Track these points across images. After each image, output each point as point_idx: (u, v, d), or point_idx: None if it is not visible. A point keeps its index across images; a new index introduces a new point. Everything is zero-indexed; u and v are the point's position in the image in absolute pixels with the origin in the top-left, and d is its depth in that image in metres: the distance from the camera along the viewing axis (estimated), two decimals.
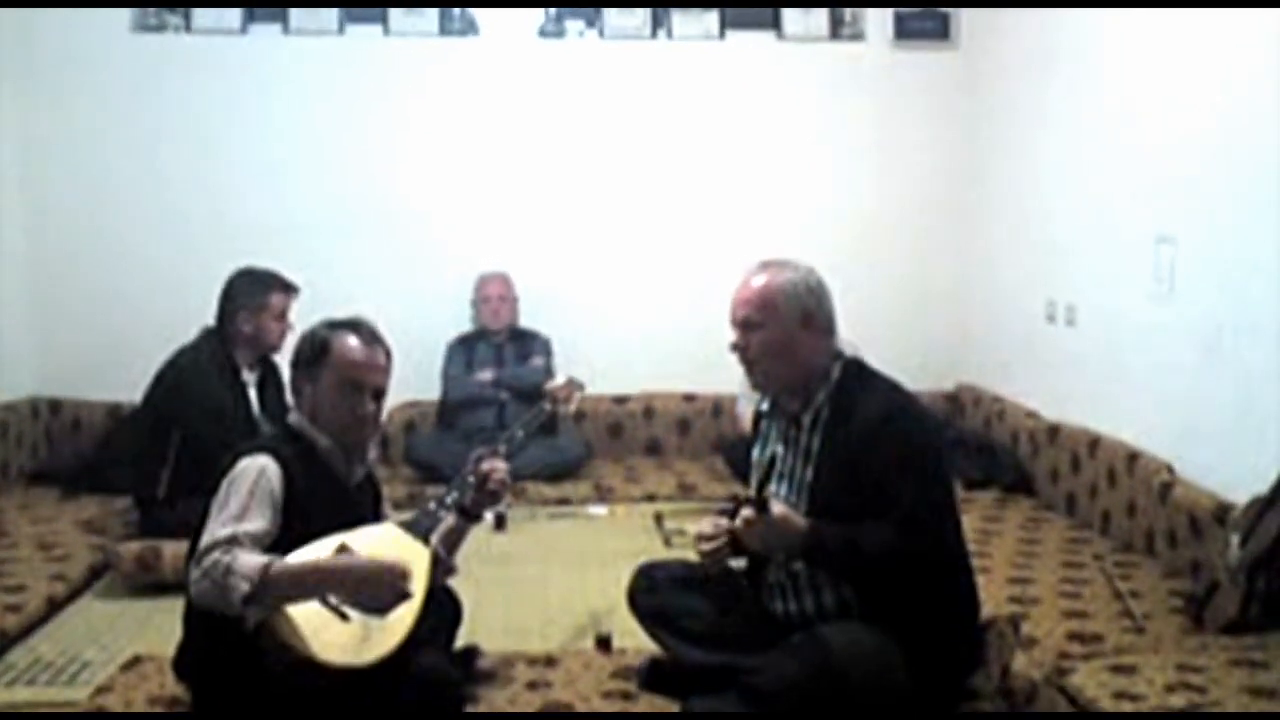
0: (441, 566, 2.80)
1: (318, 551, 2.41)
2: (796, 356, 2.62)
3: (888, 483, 2.47)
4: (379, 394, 2.65)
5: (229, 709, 2.46)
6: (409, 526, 2.64)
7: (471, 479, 2.79)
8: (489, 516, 4.53)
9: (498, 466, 2.79)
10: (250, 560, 2.29)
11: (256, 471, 2.44)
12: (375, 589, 2.38)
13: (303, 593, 2.34)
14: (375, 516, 2.72)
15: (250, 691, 2.38)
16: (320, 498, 2.53)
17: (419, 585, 2.48)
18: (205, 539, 2.35)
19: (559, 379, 3.22)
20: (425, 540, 2.63)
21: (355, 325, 2.66)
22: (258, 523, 2.38)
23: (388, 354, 2.68)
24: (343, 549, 2.43)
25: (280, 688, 2.34)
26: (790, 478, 2.65)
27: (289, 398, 2.77)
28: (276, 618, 2.29)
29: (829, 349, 2.66)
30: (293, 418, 2.66)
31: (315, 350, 2.62)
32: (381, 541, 2.53)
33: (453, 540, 2.84)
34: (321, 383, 2.60)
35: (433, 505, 2.74)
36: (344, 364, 2.59)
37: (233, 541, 2.32)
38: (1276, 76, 3.31)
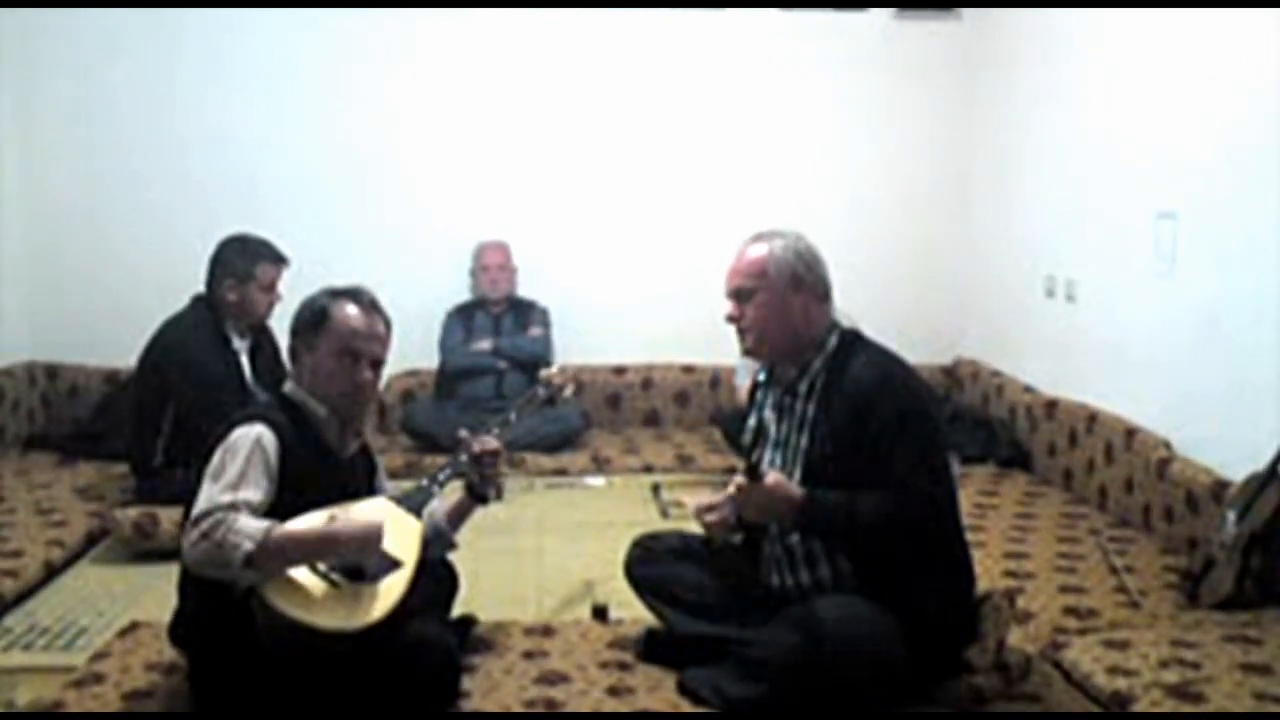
0: (444, 540, 2.82)
1: (308, 523, 2.41)
2: (789, 321, 2.64)
3: (883, 449, 2.48)
4: (376, 364, 2.65)
5: (226, 676, 2.46)
6: (401, 501, 2.65)
7: (465, 457, 2.79)
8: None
9: (489, 445, 2.79)
10: (252, 523, 2.30)
11: (253, 440, 2.43)
12: (366, 550, 2.39)
13: (302, 558, 2.35)
14: (369, 490, 2.72)
15: (247, 658, 2.38)
16: (314, 469, 2.53)
17: (409, 557, 2.48)
18: (202, 504, 2.34)
19: (554, 369, 3.24)
20: (417, 514, 2.63)
21: (355, 294, 2.65)
22: (255, 491, 2.38)
23: (387, 324, 2.68)
24: (332, 521, 2.43)
25: (275, 655, 2.34)
26: (786, 446, 2.66)
27: (283, 365, 2.76)
28: (268, 586, 2.30)
29: (824, 315, 2.67)
30: (289, 386, 2.65)
31: (314, 318, 2.61)
32: (373, 515, 2.53)
33: (458, 516, 2.86)
34: (319, 350, 2.59)
35: (426, 481, 2.74)
36: (342, 332, 2.59)
37: (233, 507, 2.32)
38: (1278, 53, 3.30)
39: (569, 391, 3.29)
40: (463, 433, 2.85)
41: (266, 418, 2.51)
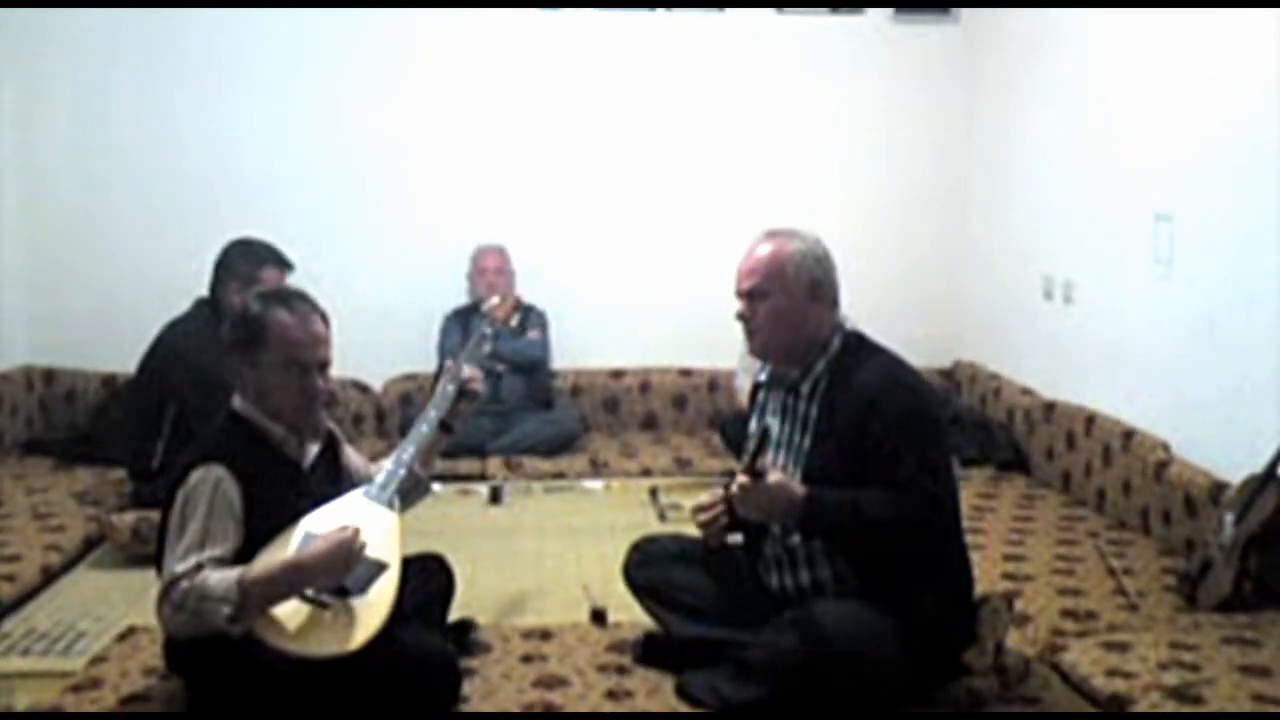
0: (422, 487, 2.81)
1: (282, 546, 2.36)
2: (802, 326, 2.62)
3: (887, 449, 2.47)
4: (324, 366, 2.56)
5: (224, 700, 2.43)
6: (374, 495, 2.59)
7: (451, 387, 2.81)
8: (484, 490, 4.54)
9: (466, 370, 2.85)
10: (221, 578, 2.24)
11: (211, 487, 2.36)
12: (341, 559, 2.32)
13: (281, 593, 2.29)
14: (336, 483, 2.65)
15: (244, 683, 2.35)
16: (278, 491, 2.46)
17: (393, 555, 2.45)
18: (169, 570, 2.29)
19: (493, 300, 3.25)
20: (391, 505, 2.58)
21: (285, 298, 2.55)
22: (220, 545, 2.32)
23: (324, 320, 2.58)
24: (305, 539, 2.39)
25: (280, 685, 2.32)
26: (787, 446, 2.66)
27: None
28: (260, 625, 2.26)
29: (832, 320, 2.66)
30: (238, 404, 2.54)
31: (250, 332, 2.51)
32: (344, 518, 2.47)
33: (428, 453, 2.82)
34: (263, 366, 2.50)
35: (391, 465, 2.69)
36: (284, 344, 2.49)
37: (199, 569, 2.26)
38: (1276, 54, 3.29)
39: (515, 322, 3.28)
40: (448, 364, 2.89)
41: (220, 455, 2.41)
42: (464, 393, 2.84)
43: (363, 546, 2.36)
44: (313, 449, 2.63)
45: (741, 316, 2.68)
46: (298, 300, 2.56)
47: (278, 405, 2.52)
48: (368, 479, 2.72)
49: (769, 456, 2.61)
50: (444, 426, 2.83)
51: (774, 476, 2.47)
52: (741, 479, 2.47)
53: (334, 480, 2.68)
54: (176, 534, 2.34)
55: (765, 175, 5.51)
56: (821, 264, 2.65)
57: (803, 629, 2.43)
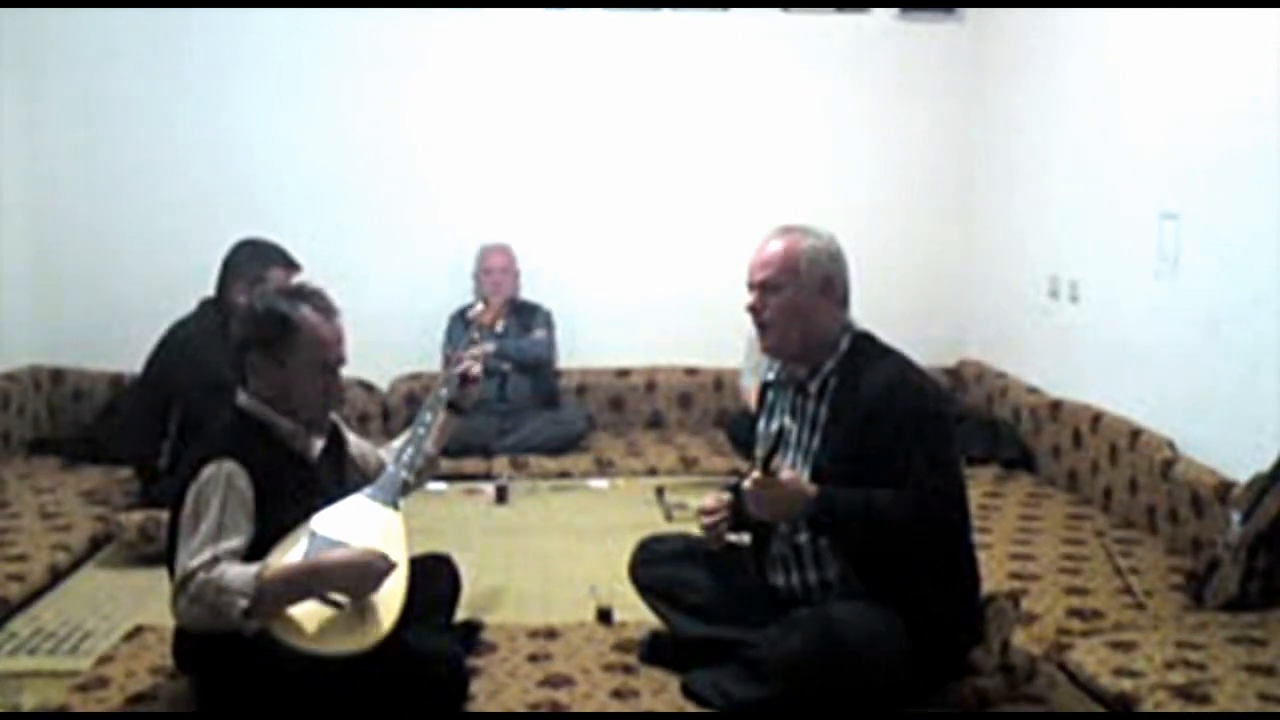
0: (434, 466, 2.87)
1: (288, 547, 2.37)
2: (812, 322, 2.62)
3: (898, 449, 2.47)
4: (343, 363, 2.58)
5: (232, 699, 2.43)
6: (375, 494, 2.60)
7: (457, 373, 2.86)
8: (490, 489, 4.54)
9: (468, 361, 2.89)
10: (240, 573, 2.24)
11: (224, 481, 2.36)
12: (364, 579, 2.35)
13: (298, 594, 2.30)
14: (342, 475, 2.67)
15: (253, 682, 2.36)
16: (288, 486, 2.47)
17: (399, 553, 2.46)
18: (183, 565, 2.28)
19: (477, 307, 3.27)
20: (395, 506, 2.59)
21: (307, 296, 2.55)
22: (234, 538, 2.32)
23: (338, 312, 2.59)
24: (312, 539, 2.39)
25: (288, 684, 2.32)
26: (796, 445, 2.65)
27: None
28: (273, 622, 2.27)
29: (842, 319, 2.66)
30: (245, 400, 2.54)
31: (277, 330, 2.50)
32: (351, 520, 2.48)
33: (440, 435, 2.86)
34: (289, 365, 2.50)
35: (392, 468, 2.70)
36: (314, 344, 2.50)
37: (215, 561, 2.26)
38: None
39: (500, 328, 3.34)
40: (452, 354, 2.93)
41: (231, 450, 2.41)
42: (465, 378, 2.88)
43: (388, 571, 2.37)
44: (318, 443, 2.63)
45: (752, 309, 2.68)
46: (319, 298, 2.57)
47: (298, 403, 2.53)
48: (379, 466, 2.76)
49: (779, 457, 2.61)
50: (454, 408, 2.86)
51: (786, 474, 2.46)
52: (755, 475, 2.46)
53: (340, 472, 2.69)
54: (190, 529, 2.34)
55: (771, 174, 5.51)
56: (835, 261, 2.65)
57: (809, 628, 2.43)
